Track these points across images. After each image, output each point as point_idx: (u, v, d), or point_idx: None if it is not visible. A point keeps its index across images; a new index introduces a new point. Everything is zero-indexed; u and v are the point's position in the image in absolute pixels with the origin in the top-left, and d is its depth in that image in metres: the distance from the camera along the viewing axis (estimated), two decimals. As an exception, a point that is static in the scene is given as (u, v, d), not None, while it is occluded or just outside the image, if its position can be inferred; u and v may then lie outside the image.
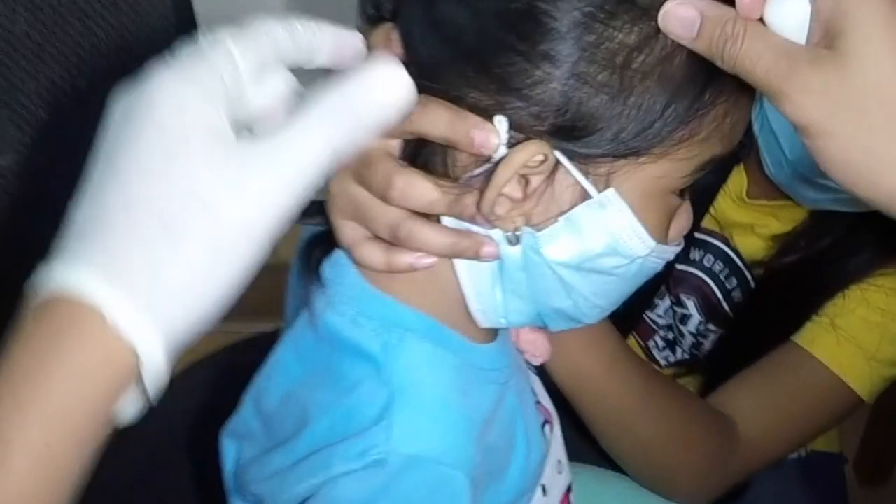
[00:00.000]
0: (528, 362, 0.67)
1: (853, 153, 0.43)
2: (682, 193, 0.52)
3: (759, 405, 0.85)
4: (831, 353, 0.85)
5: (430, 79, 0.49)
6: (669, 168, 0.49)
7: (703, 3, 0.45)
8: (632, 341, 1.05)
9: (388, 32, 0.52)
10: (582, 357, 0.77)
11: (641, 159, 0.49)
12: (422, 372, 0.53)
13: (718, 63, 0.45)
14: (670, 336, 1.03)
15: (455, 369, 0.54)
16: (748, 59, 0.44)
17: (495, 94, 0.48)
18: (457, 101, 0.49)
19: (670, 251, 0.54)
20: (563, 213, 0.50)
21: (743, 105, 0.50)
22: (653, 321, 1.04)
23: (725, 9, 0.45)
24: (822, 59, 0.43)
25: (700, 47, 0.45)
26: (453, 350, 0.55)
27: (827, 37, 0.43)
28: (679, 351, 1.02)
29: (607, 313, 0.56)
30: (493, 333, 0.59)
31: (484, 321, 0.55)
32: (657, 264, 0.53)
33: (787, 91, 0.43)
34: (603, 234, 0.50)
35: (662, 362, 1.04)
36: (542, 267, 0.51)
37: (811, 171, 0.78)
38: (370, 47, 0.51)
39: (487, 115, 0.48)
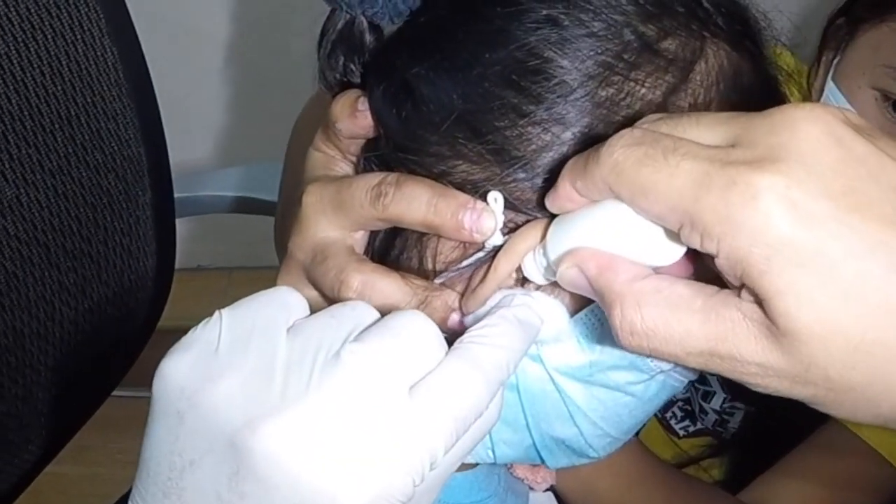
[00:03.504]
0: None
1: (853, 412, 0.33)
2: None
3: (802, 498, 0.76)
4: (880, 434, 0.76)
5: (405, 151, 0.40)
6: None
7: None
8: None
9: (355, 100, 0.43)
10: (594, 477, 0.67)
11: None
12: None
13: None
14: (688, 407, 0.95)
15: None
16: None
17: (491, 165, 0.39)
18: (441, 177, 0.40)
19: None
20: (570, 309, 0.41)
21: None
22: (670, 394, 0.96)
23: None
24: (772, 346, 0.32)
25: None
26: None
27: (752, 300, 0.32)
28: (699, 422, 0.95)
29: (618, 446, 0.46)
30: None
31: None
32: (679, 383, 0.44)
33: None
34: None
35: (681, 433, 0.96)
36: (540, 379, 0.41)
37: None
38: (332, 116, 0.43)
39: (478, 193, 0.39)
